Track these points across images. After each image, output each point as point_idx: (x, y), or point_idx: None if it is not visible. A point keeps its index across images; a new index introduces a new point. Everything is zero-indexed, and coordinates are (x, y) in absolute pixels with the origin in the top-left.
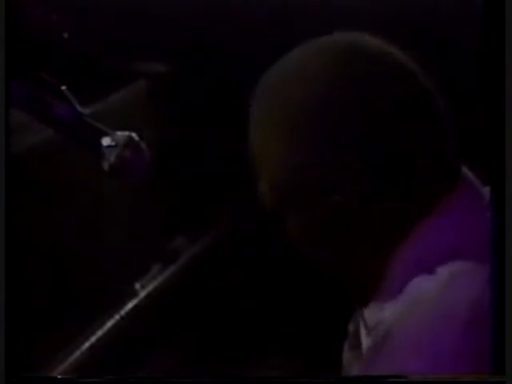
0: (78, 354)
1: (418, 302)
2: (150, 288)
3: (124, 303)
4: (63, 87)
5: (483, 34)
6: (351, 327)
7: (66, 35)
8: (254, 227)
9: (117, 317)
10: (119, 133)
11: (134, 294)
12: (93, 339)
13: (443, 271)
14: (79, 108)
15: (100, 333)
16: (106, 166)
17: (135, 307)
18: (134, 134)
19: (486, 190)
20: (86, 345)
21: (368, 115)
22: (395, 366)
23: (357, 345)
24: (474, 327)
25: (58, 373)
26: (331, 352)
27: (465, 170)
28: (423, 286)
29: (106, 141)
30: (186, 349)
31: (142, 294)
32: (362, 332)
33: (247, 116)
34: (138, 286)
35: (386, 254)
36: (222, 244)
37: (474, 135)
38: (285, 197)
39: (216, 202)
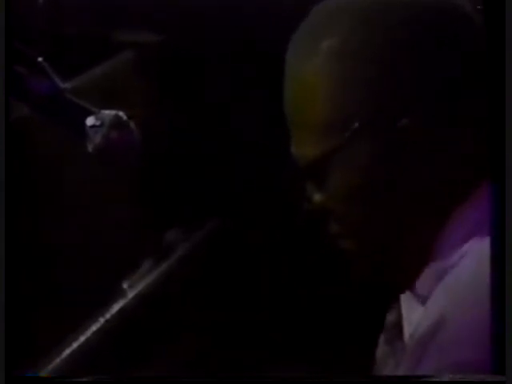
0: (57, 360)
1: (478, 285)
2: (139, 287)
3: (110, 305)
4: (40, 59)
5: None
6: (390, 318)
7: (41, 0)
8: (257, 218)
9: (101, 320)
10: (105, 111)
11: (122, 294)
12: (74, 345)
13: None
14: (59, 83)
15: (82, 338)
16: (90, 148)
17: (122, 309)
18: (121, 113)
19: None
20: (67, 351)
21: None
22: (450, 356)
23: (396, 338)
24: None
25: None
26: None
27: None
28: (484, 263)
29: (90, 120)
30: (180, 354)
31: (131, 294)
32: (406, 320)
33: (256, 81)
34: (125, 285)
35: (445, 211)
36: (220, 237)
37: None
38: (336, 139)
39: (214, 191)
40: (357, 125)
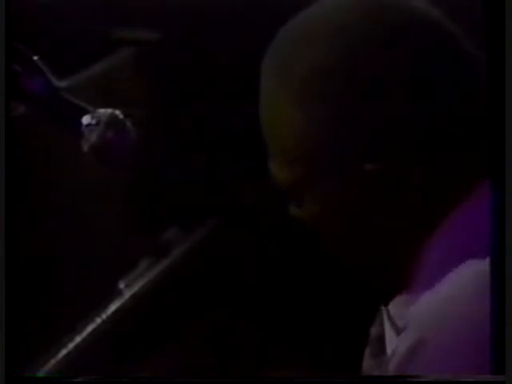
0: (53, 361)
1: (455, 302)
2: (136, 287)
3: (106, 305)
4: (36, 57)
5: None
6: (374, 332)
7: None
8: (256, 216)
9: (98, 320)
10: (101, 110)
11: (118, 293)
12: (71, 346)
13: (484, 264)
14: (55, 81)
15: (79, 339)
16: (86, 147)
17: (119, 309)
18: (117, 112)
19: None
20: (64, 352)
21: (403, 71)
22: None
23: (380, 352)
24: None
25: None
26: (344, 356)
27: None
28: (462, 283)
29: (86, 119)
30: (177, 354)
31: (127, 293)
32: (388, 335)
33: (257, 81)
34: (122, 284)
35: (419, 238)
36: (220, 236)
37: None
38: (304, 171)
39: (212, 189)
40: (317, 164)
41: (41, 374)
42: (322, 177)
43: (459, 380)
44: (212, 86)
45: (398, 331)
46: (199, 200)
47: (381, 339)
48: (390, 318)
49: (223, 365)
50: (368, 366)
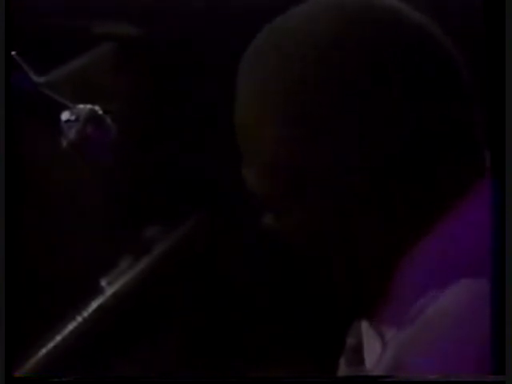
0: (33, 360)
1: (434, 321)
2: (117, 285)
3: (87, 303)
4: (13, 53)
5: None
6: (350, 341)
7: None
8: (239, 214)
9: (79, 318)
10: (80, 106)
11: (99, 291)
12: (50, 345)
13: (470, 280)
14: (34, 77)
15: (59, 337)
16: (64, 143)
17: (100, 307)
18: (97, 107)
19: None
20: (43, 351)
21: (384, 79)
22: None
23: (357, 361)
24: None
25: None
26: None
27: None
28: (443, 301)
29: (65, 115)
30: (159, 352)
31: (109, 291)
32: (367, 346)
33: (234, 84)
34: (103, 282)
35: (402, 252)
36: (202, 233)
37: None
38: (285, 182)
39: (195, 186)
40: (299, 175)
41: (21, 372)
42: (304, 188)
43: (459, 380)
44: (192, 81)
45: (383, 343)
46: (181, 197)
47: (356, 350)
48: (375, 328)
49: (202, 364)
50: (344, 373)
